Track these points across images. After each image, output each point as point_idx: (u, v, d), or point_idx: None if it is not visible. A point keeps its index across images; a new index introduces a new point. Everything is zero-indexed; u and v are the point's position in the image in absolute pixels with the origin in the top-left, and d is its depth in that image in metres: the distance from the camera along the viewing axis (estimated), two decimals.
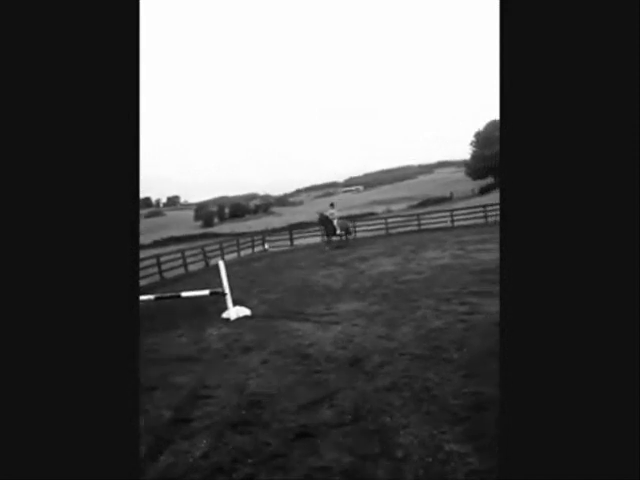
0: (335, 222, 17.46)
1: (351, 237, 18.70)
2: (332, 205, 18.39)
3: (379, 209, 67.76)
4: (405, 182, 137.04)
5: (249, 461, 2.82)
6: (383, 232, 21.22)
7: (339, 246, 17.36)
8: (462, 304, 6.04)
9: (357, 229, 21.70)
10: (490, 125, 61.02)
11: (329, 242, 17.60)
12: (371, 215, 54.08)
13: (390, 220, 23.03)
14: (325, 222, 17.48)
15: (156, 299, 7.84)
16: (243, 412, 3.54)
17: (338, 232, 17.53)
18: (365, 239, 19.82)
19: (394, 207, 67.54)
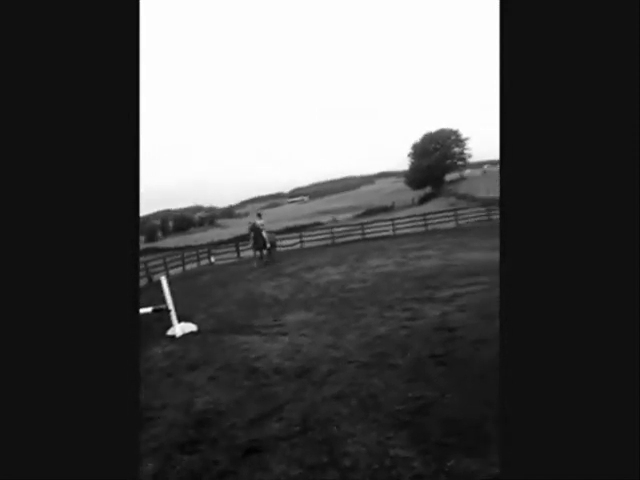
0: (264, 234, 15.83)
1: (275, 251, 17.29)
2: (259, 215, 16.74)
3: (325, 219, 68.53)
4: (349, 192, 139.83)
5: None
6: (329, 242, 21.48)
7: (267, 262, 15.93)
8: (404, 310, 6.25)
9: (304, 239, 21.85)
10: (426, 137, 64.27)
11: (260, 257, 16.00)
12: (317, 225, 54.55)
13: (335, 230, 23.39)
14: (256, 233, 15.64)
15: None
16: (190, 431, 3.48)
17: (268, 246, 15.99)
18: (312, 249, 19.97)
19: (339, 217, 68.62)
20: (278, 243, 21.67)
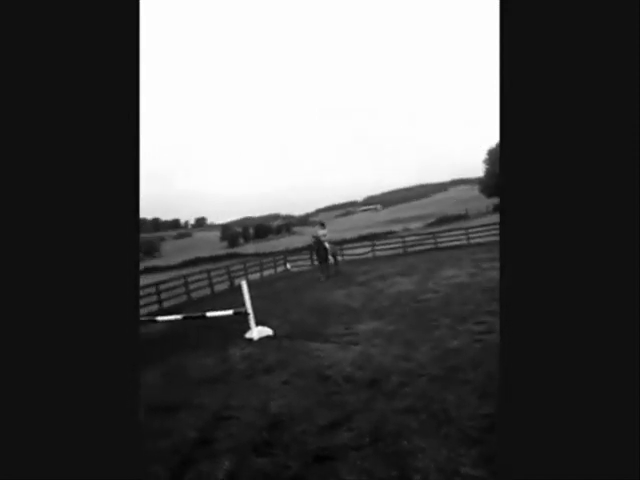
0: (327, 245, 14.65)
1: (339, 263, 16.13)
2: (322, 225, 15.75)
3: (397, 227, 67.81)
4: (422, 200, 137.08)
5: None
6: (401, 251, 21.21)
7: (330, 275, 14.73)
8: (478, 323, 6.06)
9: (376, 248, 21.75)
10: None
11: (323, 270, 14.80)
12: (390, 234, 54.07)
13: (408, 239, 23.05)
14: (318, 246, 14.62)
15: (183, 319, 8.17)
16: (264, 434, 3.64)
17: (330, 259, 14.84)
18: (384, 258, 19.85)
19: (412, 225, 67.65)
20: (350, 252, 21.78)
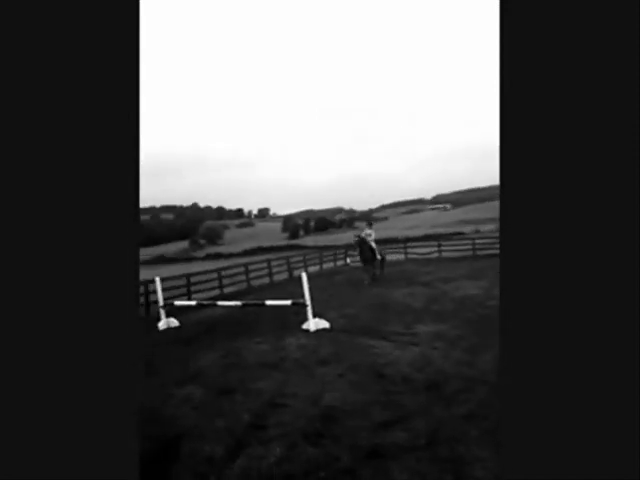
0: (373, 245, 13.45)
1: (384, 268, 14.41)
2: (370, 224, 14.71)
3: (467, 229, 65.55)
4: (497, 202, 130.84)
5: (321, 474, 2.88)
6: (470, 253, 20.39)
7: (376, 277, 13.46)
8: None
9: (443, 248, 21.11)
10: None
11: (367, 271, 13.47)
12: (458, 235, 52.39)
13: (478, 241, 22.11)
14: (362, 246, 13.27)
15: (243, 306, 8.39)
16: (317, 424, 3.62)
17: (379, 257, 13.58)
18: (450, 259, 19.22)
19: (484, 227, 64.95)
20: (414, 251, 21.30)
